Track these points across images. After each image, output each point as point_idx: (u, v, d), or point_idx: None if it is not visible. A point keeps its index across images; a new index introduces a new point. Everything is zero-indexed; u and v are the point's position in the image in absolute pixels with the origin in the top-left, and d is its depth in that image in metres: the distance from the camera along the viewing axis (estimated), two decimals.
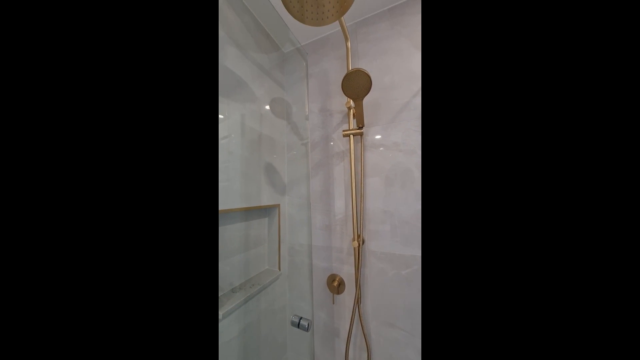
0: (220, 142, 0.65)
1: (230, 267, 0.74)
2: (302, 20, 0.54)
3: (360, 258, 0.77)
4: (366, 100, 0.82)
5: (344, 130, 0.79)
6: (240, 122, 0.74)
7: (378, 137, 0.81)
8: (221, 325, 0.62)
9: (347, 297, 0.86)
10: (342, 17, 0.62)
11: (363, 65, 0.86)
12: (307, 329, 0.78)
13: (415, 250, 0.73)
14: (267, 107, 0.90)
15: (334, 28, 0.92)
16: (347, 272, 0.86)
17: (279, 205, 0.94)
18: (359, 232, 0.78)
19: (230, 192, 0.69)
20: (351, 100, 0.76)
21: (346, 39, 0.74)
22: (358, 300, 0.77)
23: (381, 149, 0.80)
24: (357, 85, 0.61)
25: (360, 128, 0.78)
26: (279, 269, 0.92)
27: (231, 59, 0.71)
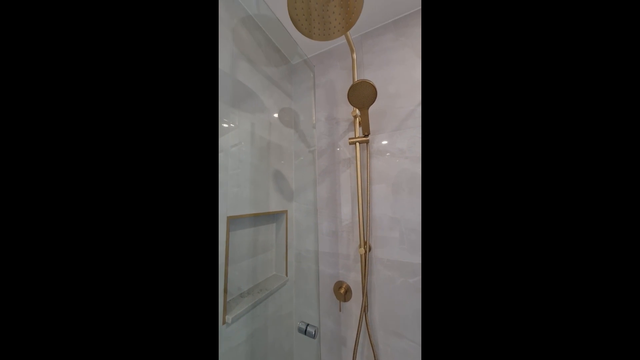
0: (231, 149, 0.68)
1: (238, 272, 0.75)
2: (309, 36, 0.57)
3: (367, 265, 0.76)
4: (372, 108, 0.84)
5: (350, 138, 0.80)
6: (250, 131, 0.77)
7: (385, 142, 0.82)
8: (229, 330, 0.64)
9: (354, 305, 0.85)
10: (348, 31, 0.65)
11: (368, 75, 0.88)
12: (313, 336, 0.77)
13: None
14: (276, 115, 0.93)
15: (340, 40, 0.96)
16: (353, 279, 0.86)
17: (286, 211, 0.96)
18: (365, 239, 0.78)
19: (240, 198, 0.71)
20: (357, 109, 0.78)
21: (352, 51, 0.76)
22: (365, 309, 0.77)
23: (387, 154, 0.81)
24: (362, 95, 0.63)
25: (366, 136, 0.79)
26: (286, 274, 0.93)
27: (243, 73, 0.75)
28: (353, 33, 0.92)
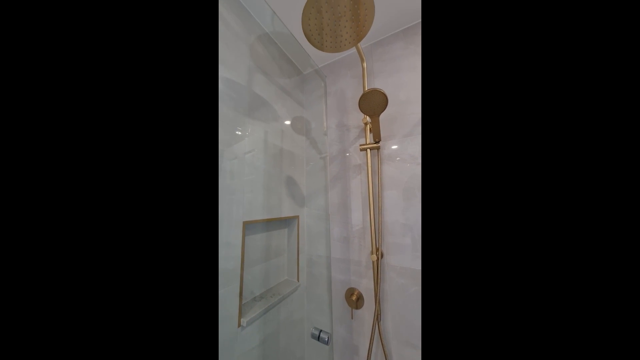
0: (245, 156, 0.72)
1: (252, 276, 0.77)
2: (321, 49, 0.60)
3: (379, 272, 0.76)
4: (382, 114, 0.85)
5: (361, 145, 0.82)
6: (263, 139, 0.80)
7: (395, 147, 0.82)
8: (244, 333, 0.65)
9: (367, 313, 0.84)
10: (358, 43, 0.67)
11: (379, 82, 0.90)
12: (327, 343, 0.77)
13: None
14: (288, 123, 0.96)
15: (350, 50, 0.99)
16: (365, 286, 0.85)
17: (298, 216, 0.97)
18: (377, 245, 0.77)
19: (255, 204, 0.74)
20: (367, 116, 0.79)
21: (362, 60, 0.78)
22: (378, 317, 0.75)
23: (398, 159, 0.81)
24: (373, 103, 0.65)
25: (377, 142, 0.80)
26: (298, 279, 0.94)
27: (258, 84, 0.79)
28: (363, 42, 0.94)
